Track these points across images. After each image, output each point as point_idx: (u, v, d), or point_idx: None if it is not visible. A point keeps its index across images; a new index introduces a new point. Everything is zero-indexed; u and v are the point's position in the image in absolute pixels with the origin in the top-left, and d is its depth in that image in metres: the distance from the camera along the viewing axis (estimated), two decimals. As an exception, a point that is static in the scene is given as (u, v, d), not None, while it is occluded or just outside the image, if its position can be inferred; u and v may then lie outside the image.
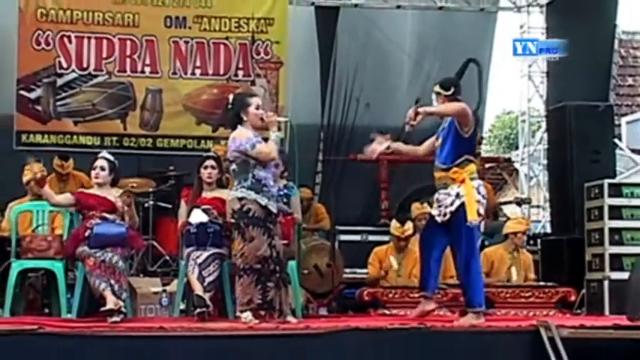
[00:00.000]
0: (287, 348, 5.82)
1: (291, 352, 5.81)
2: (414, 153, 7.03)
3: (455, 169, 6.48)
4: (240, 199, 6.34)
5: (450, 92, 6.60)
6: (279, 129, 7.21)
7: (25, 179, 7.82)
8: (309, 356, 5.83)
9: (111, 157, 7.07)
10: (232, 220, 6.42)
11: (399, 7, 11.07)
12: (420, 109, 6.51)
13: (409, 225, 8.44)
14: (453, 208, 6.44)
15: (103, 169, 6.98)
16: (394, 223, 8.51)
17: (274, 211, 6.44)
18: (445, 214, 6.48)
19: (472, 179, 6.49)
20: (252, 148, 6.35)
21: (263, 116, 6.52)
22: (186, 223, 7.07)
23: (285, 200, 7.28)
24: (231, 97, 6.67)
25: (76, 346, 5.60)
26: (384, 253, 8.48)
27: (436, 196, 6.62)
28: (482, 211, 6.52)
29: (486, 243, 8.99)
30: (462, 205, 6.40)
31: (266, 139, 6.47)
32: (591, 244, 8.76)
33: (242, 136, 6.41)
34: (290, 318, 6.57)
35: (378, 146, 6.84)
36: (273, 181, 6.55)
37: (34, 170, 7.05)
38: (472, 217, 6.39)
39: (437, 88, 6.67)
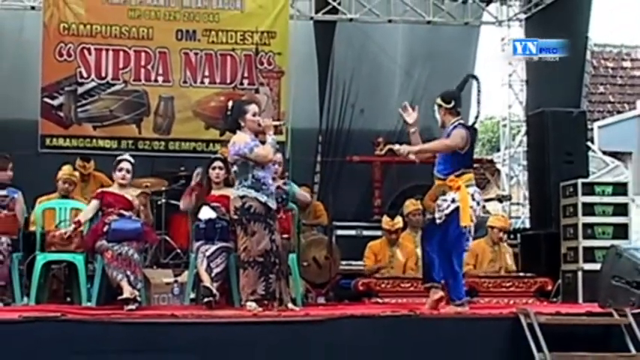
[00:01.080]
0: (288, 334, 5.82)
1: (292, 338, 5.81)
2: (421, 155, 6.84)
3: (452, 177, 6.47)
4: (242, 197, 6.36)
5: (450, 105, 6.56)
6: (280, 132, 7.18)
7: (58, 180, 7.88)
8: (308, 341, 5.83)
9: (132, 160, 7.09)
10: (235, 217, 6.43)
11: (390, 21, 11.06)
12: (415, 148, 6.48)
13: (398, 219, 8.47)
14: (447, 212, 6.44)
15: (128, 171, 7.00)
16: (385, 218, 8.53)
17: (273, 207, 6.44)
18: (441, 218, 6.48)
19: (468, 186, 6.49)
20: (250, 152, 6.36)
21: (260, 122, 6.52)
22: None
23: (284, 196, 7.31)
24: (230, 104, 6.67)
25: (96, 332, 5.60)
26: (378, 246, 8.48)
27: (437, 202, 6.62)
28: (474, 217, 6.50)
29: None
30: (457, 209, 6.40)
31: (264, 143, 6.48)
32: (566, 238, 8.77)
33: (241, 141, 6.42)
34: (290, 306, 6.58)
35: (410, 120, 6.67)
36: (272, 179, 6.55)
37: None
38: (465, 222, 6.39)
39: (438, 101, 6.61)
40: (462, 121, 6.61)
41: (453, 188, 6.45)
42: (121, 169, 7.00)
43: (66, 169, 7.96)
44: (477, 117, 6.84)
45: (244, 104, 6.62)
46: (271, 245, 6.33)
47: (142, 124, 10.36)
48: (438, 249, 6.52)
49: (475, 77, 6.93)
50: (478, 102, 6.80)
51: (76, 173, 8.19)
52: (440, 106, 6.61)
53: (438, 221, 6.53)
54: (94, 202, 7.01)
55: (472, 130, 6.62)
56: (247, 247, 6.31)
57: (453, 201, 6.43)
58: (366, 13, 10.93)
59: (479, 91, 6.79)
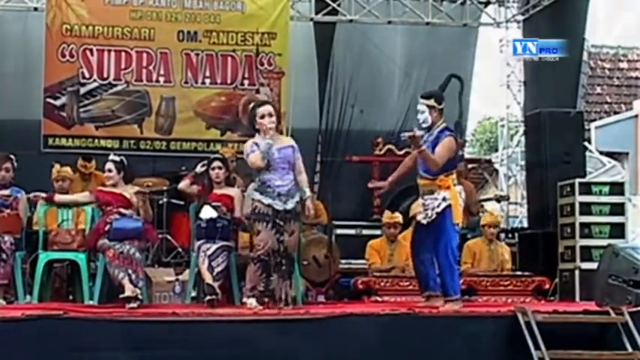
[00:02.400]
0: (288, 331, 5.83)
1: (292, 335, 5.81)
2: (406, 168, 6.85)
3: (441, 177, 6.46)
4: (251, 198, 6.48)
5: (442, 106, 6.55)
6: (280, 133, 7.08)
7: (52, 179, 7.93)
8: (308, 339, 5.83)
9: (117, 158, 7.06)
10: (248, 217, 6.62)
11: (389, 22, 11.06)
12: (422, 147, 6.38)
13: (398, 214, 8.48)
14: (439, 210, 6.42)
15: (110, 170, 7.00)
16: (386, 212, 8.56)
17: (279, 208, 6.39)
18: (431, 216, 6.47)
19: (455, 185, 6.51)
20: (247, 158, 6.46)
21: (265, 125, 6.50)
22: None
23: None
24: (250, 105, 6.73)
25: (97, 330, 5.61)
26: (379, 244, 8.48)
27: (421, 201, 6.59)
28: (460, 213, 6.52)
29: (469, 236, 8.97)
30: (448, 207, 6.40)
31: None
32: (564, 237, 8.78)
33: (246, 146, 6.52)
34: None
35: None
36: (280, 180, 6.47)
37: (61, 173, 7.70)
38: (458, 219, 6.42)
39: (431, 102, 6.52)
40: (445, 123, 6.56)
41: (442, 187, 6.45)
42: (105, 171, 7.05)
43: (54, 170, 8.08)
44: (460, 115, 6.86)
45: (255, 107, 6.60)
46: (278, 246, 6.35)
47: (144, 124, 10.37)
48: (433, 247, 6.51)
49: (457, 77, 6.91)
50: (460, 101, 6.82)
51: (66, 169, 8.20)
52: (432, 107, 6.53)
53: (427, 220, 6.50)
54: (86, 193, 7.17)
55: (456, 131, 6.63)
56: (254, 245, 6.42)
57: (444, 199, 6.43)
58: (365, 14, 10.93)
59: (461, 90, 6.86)
